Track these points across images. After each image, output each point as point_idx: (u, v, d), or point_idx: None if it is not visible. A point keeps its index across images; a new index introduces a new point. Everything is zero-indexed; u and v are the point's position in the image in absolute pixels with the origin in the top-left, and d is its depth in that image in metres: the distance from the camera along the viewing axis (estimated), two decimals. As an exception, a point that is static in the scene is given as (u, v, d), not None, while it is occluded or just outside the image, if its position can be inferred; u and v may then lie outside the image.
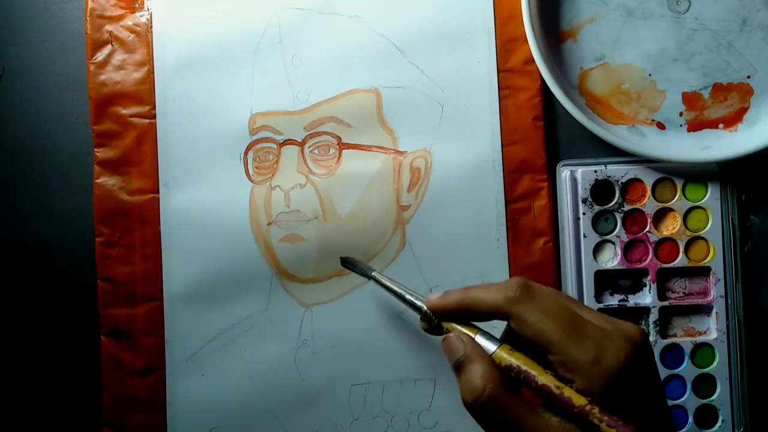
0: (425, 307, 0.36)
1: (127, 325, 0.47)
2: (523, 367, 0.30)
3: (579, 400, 0.28)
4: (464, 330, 0.33)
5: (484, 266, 0.47)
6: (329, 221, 0.47)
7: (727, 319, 0.48)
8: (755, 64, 0.48)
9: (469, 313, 0.33)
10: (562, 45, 0.49)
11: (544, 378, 0.30)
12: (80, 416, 0.48)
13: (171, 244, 0.47)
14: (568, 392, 0.29)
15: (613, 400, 0.29)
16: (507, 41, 0.48)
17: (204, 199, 0.48)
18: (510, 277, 0.47)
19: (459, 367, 0.32)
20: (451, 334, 0.34)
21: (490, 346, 0.32)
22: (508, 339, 0.33)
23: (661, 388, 0.32)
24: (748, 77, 0.48)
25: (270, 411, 0.47)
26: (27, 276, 0.49)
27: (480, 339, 0.32)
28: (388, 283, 0.40)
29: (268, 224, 0.47)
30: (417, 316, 0.37)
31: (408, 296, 0.38)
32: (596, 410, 0.28)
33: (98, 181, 0.47)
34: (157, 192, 0.48)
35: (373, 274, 0.42)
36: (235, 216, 0.47)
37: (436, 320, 0.35)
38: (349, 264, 0.45)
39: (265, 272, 0.47)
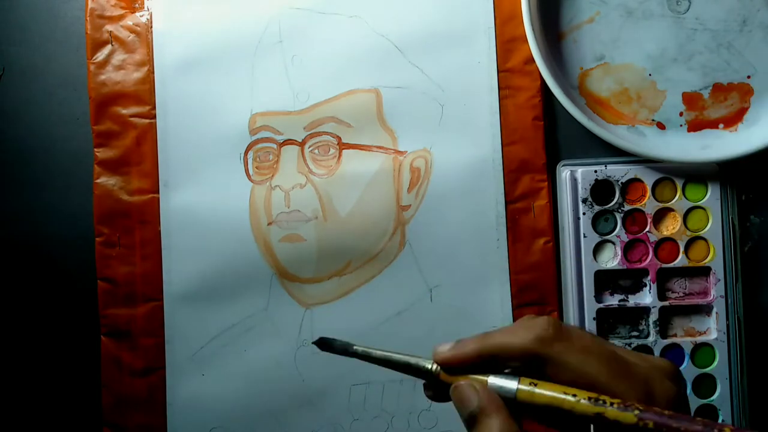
0: (434, 367, 0.29)
1: (127, 325, 0.47)
2: (555, 399, 0.26)
3: (627, 418, 0.25)
4: (476, 377, 0.28)
5: (484, 266, 0.47)
6: (329, 221, 0.47)
7: (727, 319, 0.48)
8: (755, 64, 0.48)
9: (492, 363, 0.28)
10: (562, 45, 0.49)
11: (580, 407, 0.26)
12: (80, 416, 0.48)
13: (171, 244, 0.47)
14: (611, 413, 0.25)
15: None
16: (507, 41, 0.48)
17: (204, 199, 0.48)
18: (510, 277, 0.47)
19: (472, 421, 0.28)
20: (462, 382, 0.28)
21: (509, 385, 0.27)
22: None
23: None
24: (748, 77, 0.48)
25: (270, 411, 0.47)
26: (27, 276, 0.49)
27: (494, 381, 0.28)
28: (379, 354, 0.31)
29: (268, 224, 0.47)
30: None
31: (411, 360, 0.30)
32: (651, 423, 0.24)
33: (98, 181, 0.47)
34: (157, 192, 0.48)
35: (354, 348, 0.33)
36: (235, 216, 0.47)
37: (440, 374, 0.29)
38: (325, 345, 0.35)
39: (265, 272, 0.47)
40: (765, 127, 0.48)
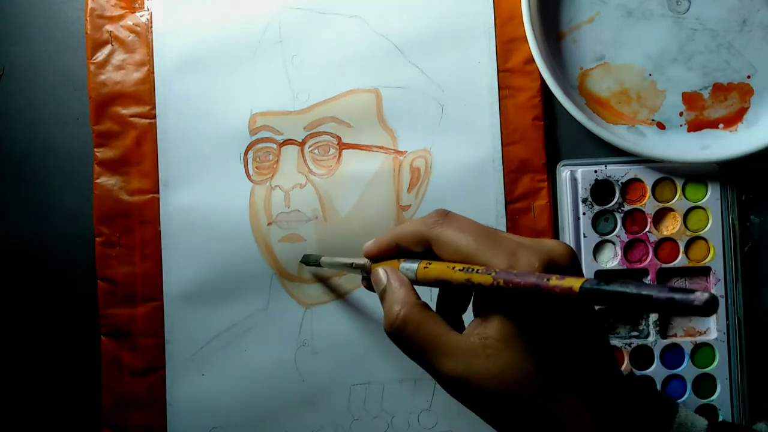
0: (366, 261, 0.36)
1: (127, 325, 0.47)
2: (440, 272, 0.31)
3: (486, 280, 0.28)
4: (390, 262, 0.34)
5: (484, 266, 0.47)
6: (329, 221, 0.47)
7: (727, 319, 0.48)
8: (755, 64, 0.48)
9: (398, 250, 0.34)
10: (562, 45, 0.49)
11: (456, 275, 0.30)
12: (80, 416, 0.48)
13: (171, 244, 0.47)
14: (476, 278, 0.29)
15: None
16: (507, 41, 0.48)
17: (204, 199, 0.48)
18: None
19: (383, 295, 0.33)
20: (378, 268, 0.34)
21: (413, 267, 0.33)
22: None
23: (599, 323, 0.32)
24: (748, 77, 0.48)
25: (270, 411, 0.47)
26: (27, 276, 0.49)
27: (403, 265, 0.33)
28: (336, 260, 0.41)
29: (268, 224, 0.47)
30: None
31: (353, 261, 0.38)
32: (501, 281, 0.27)
33: (98, 181, 0.47)
34: (157, 192, 0.48)
35: (322, 260, 0.43)
36: (235, 216, 0.47)
37: (371, 267, 0.35)
38: (304, 261, 0.47)
39: (265, 272, 0.47)
40: (765, 127, 0.48)
